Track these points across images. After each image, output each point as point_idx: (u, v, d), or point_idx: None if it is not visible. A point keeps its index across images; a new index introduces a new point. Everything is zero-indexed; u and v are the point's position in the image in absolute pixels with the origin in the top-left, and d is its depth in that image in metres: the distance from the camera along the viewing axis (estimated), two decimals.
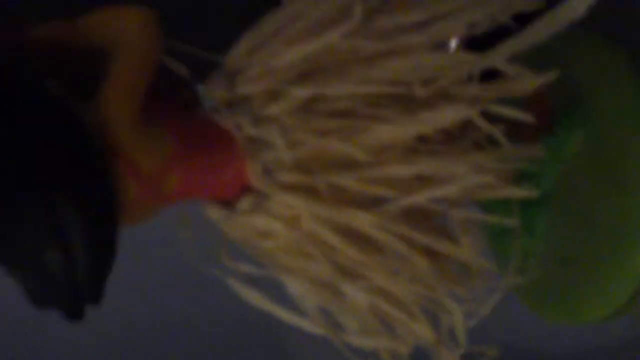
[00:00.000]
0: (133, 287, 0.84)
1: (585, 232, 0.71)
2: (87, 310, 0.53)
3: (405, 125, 0.60)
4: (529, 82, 0.64)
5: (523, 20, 0.73)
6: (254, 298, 0.62)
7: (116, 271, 0.81)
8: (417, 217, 0.64)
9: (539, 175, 0.72)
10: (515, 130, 0.71)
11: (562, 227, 0.72)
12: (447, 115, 0.61)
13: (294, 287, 0.63)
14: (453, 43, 0.65)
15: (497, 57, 0.61)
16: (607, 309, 0.71)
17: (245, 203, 0.59)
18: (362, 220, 0.60)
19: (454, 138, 0.65)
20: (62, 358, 0.88)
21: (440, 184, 0.62)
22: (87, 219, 0.51)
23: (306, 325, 0.64)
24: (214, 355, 0.89)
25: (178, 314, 0.84)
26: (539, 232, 0.73)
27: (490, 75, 0.67)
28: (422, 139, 0.64)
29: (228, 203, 0.60)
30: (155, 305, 0.84)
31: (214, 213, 0.60)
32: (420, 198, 0.61)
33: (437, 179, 0.63)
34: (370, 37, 0.59)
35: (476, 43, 0.68)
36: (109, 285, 0.53)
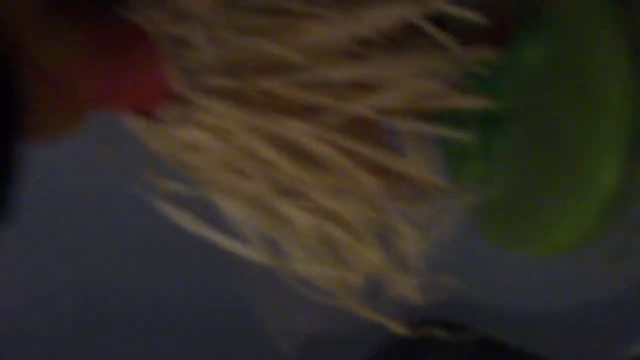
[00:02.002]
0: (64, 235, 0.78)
1: (548, 150, 0.66)
2: None
3: (342, 24, 0.55)
4: None
5: None
6: (186, 220, 0.57)
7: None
8: (363, 132, 0.59)
9: (495, 90, 0.67)
10: (469, 42, 0.66)
11: (522, 146, 0.68)
12: (388, 14, 0.56)
13: (229, 208, 0.58)
14: None
15: None
16: (574, 232, 0.66)
17: (167, 111, 0.54)
18: (299, 130, 0.55)
19: (399, 44, 0.60)
20: None
21: (383, 91, 0.57)
22: None
23: (245, 251, 0.59)
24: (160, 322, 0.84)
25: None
26: (498, 153, 0.68)
27: None
28: (363, 44, 0.59)
29: (150, 113, 0.55)
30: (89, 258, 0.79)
31: (135, 124, 0.55)
32: (361, 105, 0.56)
33: (379, 88, 0.58)
34: None
35: None
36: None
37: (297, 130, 0.55)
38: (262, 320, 0.73)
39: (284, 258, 0.59)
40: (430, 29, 0.58)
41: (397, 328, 0.62)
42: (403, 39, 0.61)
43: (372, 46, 0.59)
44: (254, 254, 0.58)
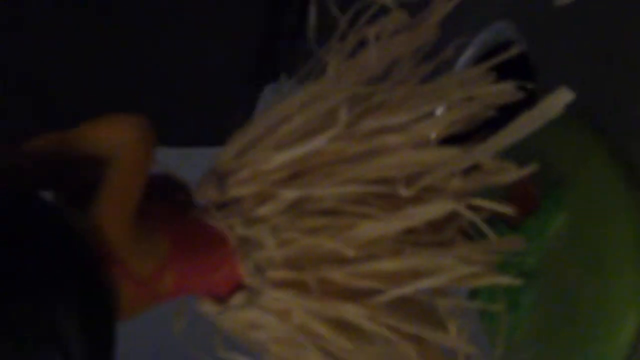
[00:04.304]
0: None
1: (567, 311, 0.73)
2: None
3: (392, 221, 0.62)
4: (512, 174, 0.66)
5: (503, 109, 0.75)
6: None
7: None
8: (405, 304, 0.67)
9: (523, 254, 0.74)
10: (500, 213, 0.73)
11: (546, 303, 0.74)
12: (434, 210, 0.63)
13: None
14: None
15: (481, 154, 0.64)
16: None
17: (238, 299, 0.61)
18: (352, 312, 0.63)
19: (440, 227, 0.67)
20: None
21: (428, 276, 0.64)
22: (86, 328, 0.54)
23: None
24: None
25: None
26: (525, 308, 0.75)
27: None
28: (410, 232, 0.66)
29: (221, 298, 0.63)
30: None
31: (208, 308, 0.62)
32: (408, 290, 0.63)
33: (424, 270, 0.65)
34: (355, 139, 0.62)
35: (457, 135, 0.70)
36: None
37: (349, 312, 0.63)
38: None
39: None
40: (469, 214, 0.65)
41: None
42: (444, 223, 0.68)
43: (417, 232, 0.66)
44: None
